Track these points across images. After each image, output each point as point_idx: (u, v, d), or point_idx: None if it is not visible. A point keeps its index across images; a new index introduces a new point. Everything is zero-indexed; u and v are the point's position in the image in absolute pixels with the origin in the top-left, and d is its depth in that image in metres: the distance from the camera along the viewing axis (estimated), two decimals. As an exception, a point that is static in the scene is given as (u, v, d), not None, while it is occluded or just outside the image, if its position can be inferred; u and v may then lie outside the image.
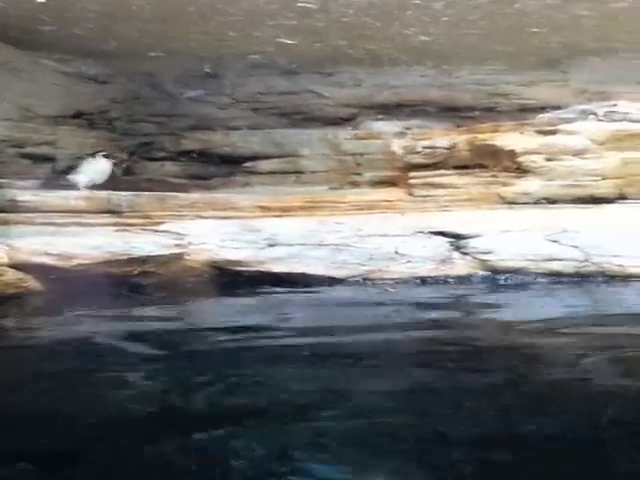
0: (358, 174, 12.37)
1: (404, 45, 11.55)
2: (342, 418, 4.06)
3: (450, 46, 11.60)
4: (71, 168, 11.04)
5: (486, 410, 4.19)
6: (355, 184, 12.16)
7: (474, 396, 4.45)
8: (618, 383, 4.78)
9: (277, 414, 4.13)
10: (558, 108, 11.14)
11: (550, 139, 10.25)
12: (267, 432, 3.84)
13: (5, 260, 8.15)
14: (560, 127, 10.35)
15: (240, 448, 3.58)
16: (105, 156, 11.03)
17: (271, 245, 8.94)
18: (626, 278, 8.44)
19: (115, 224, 9.47)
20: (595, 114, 10.49)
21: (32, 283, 8.07)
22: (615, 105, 10.66)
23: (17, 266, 8.14)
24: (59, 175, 11.17)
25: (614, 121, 10.36)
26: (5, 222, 9.12)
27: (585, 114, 10.58)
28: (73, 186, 10.43)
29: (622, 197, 9.98)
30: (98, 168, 10.85)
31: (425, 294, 8.37)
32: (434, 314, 7.41)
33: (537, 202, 10.00)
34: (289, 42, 11.22)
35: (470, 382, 4.82)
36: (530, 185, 10.10)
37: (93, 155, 11.03)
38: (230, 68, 12.59)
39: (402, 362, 5.39)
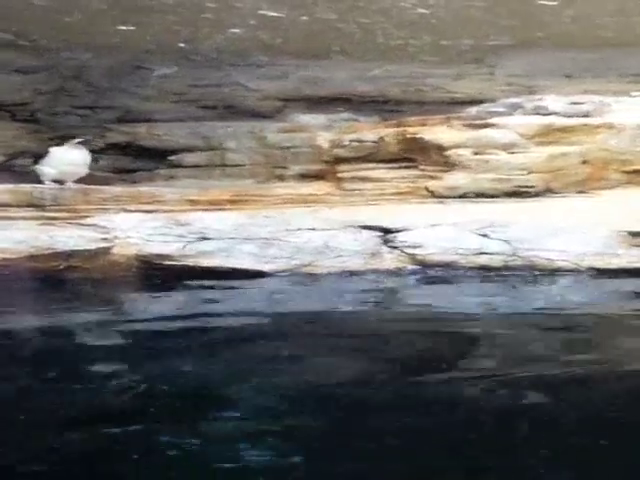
0: (284, 168, 12.28)
1: (399, 19, 10.89)
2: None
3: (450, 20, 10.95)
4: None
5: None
6: (281, 178, 12.08)
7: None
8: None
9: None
10: (487, 102, 11.21)
11: (478, 133, 10.31)
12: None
13: None
14: (488, 121, 10.43)
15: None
16: (81, 144, 10.51)
17: (200, 239, 8.83)
18: (554, 272, 8.48)
19: (39, 218, 9.29)
20: (523, 108, 10.60)
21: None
22: (541, 99, 10.78)
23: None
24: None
25: (542, 115, 10.47)
26: None
27: (513, 108, 10.68)
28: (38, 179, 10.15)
29: (549, 191, 10.11)
30: (72, 159, 10.35)
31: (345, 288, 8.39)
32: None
33: (465, 196, 10.06)
34: (273, 14, 10.43)
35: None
36: (458, 179, 10.15)
37: (64, 143, 10.50)
38: (157, 60, 12.38)
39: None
